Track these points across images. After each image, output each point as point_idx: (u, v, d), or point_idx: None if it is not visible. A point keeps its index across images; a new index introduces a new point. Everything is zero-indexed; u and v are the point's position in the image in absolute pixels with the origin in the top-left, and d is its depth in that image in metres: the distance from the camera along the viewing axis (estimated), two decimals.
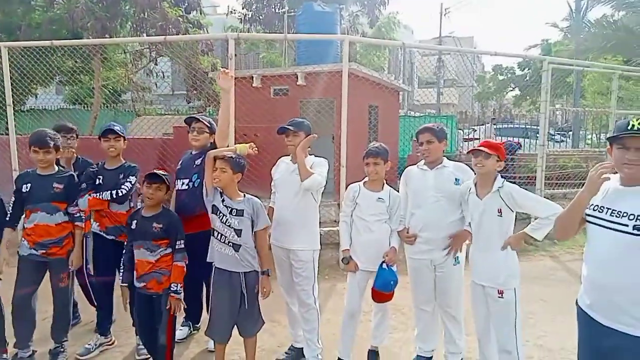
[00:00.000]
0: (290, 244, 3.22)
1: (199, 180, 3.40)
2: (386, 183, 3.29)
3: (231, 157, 2.92)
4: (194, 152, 3.59)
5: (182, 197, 3.51)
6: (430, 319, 3.26)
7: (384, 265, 3.11)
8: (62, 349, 3.36)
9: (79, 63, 9.66)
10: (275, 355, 3.48)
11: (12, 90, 5.96)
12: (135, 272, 3.05)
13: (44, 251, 3.21)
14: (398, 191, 3.31)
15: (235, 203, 2.94)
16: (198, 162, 3.47)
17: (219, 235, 2.93)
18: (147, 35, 9.25)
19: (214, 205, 2.95)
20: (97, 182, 3.40)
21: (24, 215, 3.26)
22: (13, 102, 6.06)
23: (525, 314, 3.62)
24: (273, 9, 16.07)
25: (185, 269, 3.02)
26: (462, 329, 3.22)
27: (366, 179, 3.27)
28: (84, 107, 11.42)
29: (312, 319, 3.26)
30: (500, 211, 2.76)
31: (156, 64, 10.18)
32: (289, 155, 3.34)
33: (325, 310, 4.20)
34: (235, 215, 2.90)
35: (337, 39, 8.45)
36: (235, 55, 5.40)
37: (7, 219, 3.22)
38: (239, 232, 2.90)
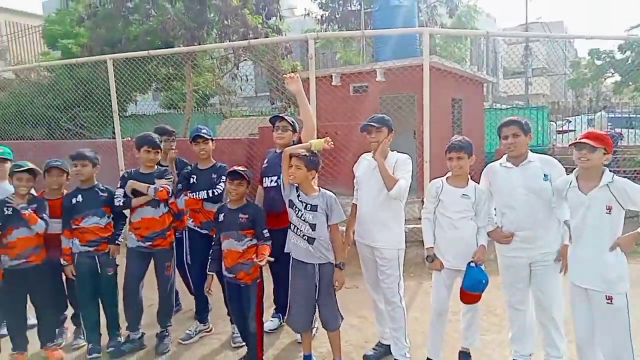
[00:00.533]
0: (374, 242, 3.22)
1: None
2: (471, 178, 3.17)
3: (305, 155, 3.01)
4: (278, 151, 3.72)
5: (270, 193, 3.65)
6: (526, 319, 3.10)
7: (473, 264, 3.00)
8: (166, 333, 3.67)
9: (172, 70, 10.39)
10: (363, 351, 3.51)
11: (116, 97, 6.57)
12: (224, 262, 3.24)
13: (149, 243, 3.53)
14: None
15: (310, 198, 3.03)
16: None
17: (295, 228, 3.05)
18: (230, 42, 9.70)
19: (290, 200, 3.08)
20: (192, 182, 3.68)
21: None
22: (117, 108, 6.69)
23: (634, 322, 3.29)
24: (349, 8, 16.11)
25: (270, 249, 3.17)
26: (562, 331, 3.02)
27: (449, 174, 3.18)
28: (177, 111, 12.29)
29: (398, 317, 3.24)
30: (609, 208, 2.53)
31: (237, 68, 10.64)
32: (370, 151, 3.33)
33: (412, 309, 4.16)
34: (309, 210, 3.00)
35: (415, 32, 8.26)
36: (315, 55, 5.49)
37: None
38: (313, 226, 3.00)
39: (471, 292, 3.01)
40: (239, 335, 3.54)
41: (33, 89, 11.00)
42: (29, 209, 3.29)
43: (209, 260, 3.34)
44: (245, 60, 10.82)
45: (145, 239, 3.52)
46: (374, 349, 3.49)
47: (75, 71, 9.95)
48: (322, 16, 16.51)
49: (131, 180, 3.49)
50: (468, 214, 3.07)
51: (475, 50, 18.96)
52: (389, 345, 3.38)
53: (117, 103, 6.68)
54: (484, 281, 2.97)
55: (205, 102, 12.44)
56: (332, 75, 8.17)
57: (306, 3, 33.02)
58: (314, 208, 3.01)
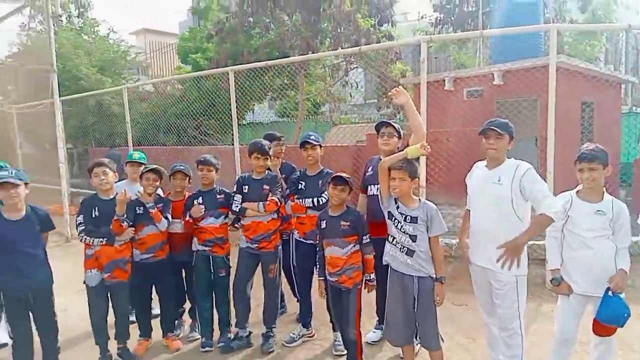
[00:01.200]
0: (487, 263, 2.89)
1: None
2: (606, 192, 2.77)
3: (407, 164, 2.89)
4: (383, 158, 3.64)
5: (375, 202, 3.59)
6: None
7: (611, 293, 2.61)
8: (272, 334, 3.79)
9: (286, 80, 10.91)
10: None
11: (236, 107, 7.05)
12: (327, 267, 3.26)
13: (257, 245, 3.68)
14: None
15: (410, 210, 2.90)
16: None
17: (394, 240, 2.95)
18: (342, 49, 9.86)
19: (389, 212, 2.98)
20: (300, 187, 3.77)
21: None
22: (237, 117, 7.17)
23: None
24: (465, 9, 15.42)
25: (374, 260, 3.20)
26: None
27: (579, 187, 2.81)
28: (290, 119, 12.85)
29: (515, 344, 2.89)
30: None
31: (347, 75, 10.77)
32: (483, 160, 3.05)
33: (528, 333, 3.76)
34: (409, 222, 2.88)
35: (541, 30, 7.59)
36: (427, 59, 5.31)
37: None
38: (414, 238, 2.87)
39: (609, 325, 2.63)
40: (341, 343, 3.54)
41: (167, 100, 12.34)
42: (155, 208, 3.65)
43: (315, 266, 3.38)
44: (356, 68, 10.91)
45: (253, 241, 3.68)
46: None
47: (202, 83, 10.95)
48: (436, 19, 16.06)
49: (245, 204, 3.66)
50: (604, 233, 2.70)
51: (612, 47, 16.83)
52: None
53: (237, 112, 7.16)
54: (625, 315, 2.57)
55: (316, 110, 12.83)
56: (444, 80, 7.87)
57: (420, 7, 32.29)
58: (413, 220, 2.87)
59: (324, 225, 3.29)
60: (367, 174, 3.76)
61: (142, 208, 3.66)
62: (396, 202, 2.96)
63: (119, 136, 12.83)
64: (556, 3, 14.85)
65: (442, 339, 3.02)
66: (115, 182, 3.68)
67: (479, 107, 7.43)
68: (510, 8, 8.48)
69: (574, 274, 2.77)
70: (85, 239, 3.46)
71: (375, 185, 3.61)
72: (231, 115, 7.13)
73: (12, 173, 3.06)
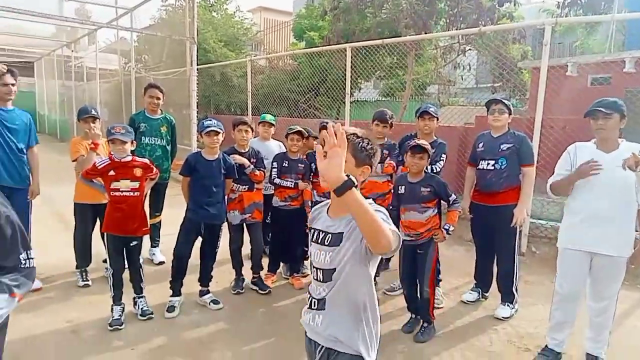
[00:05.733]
0: (608, 249, 2.85)
1: (506, 164, 3.71)
2: None
3: None
4: (494, 135, 3.81)
5: (487, 175, 3.82)
6: None
7: None
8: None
9: (395, 60, 11.05)
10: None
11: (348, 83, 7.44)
12: (404, 229, 3.47)
13: None
14: None
15: None
16: (503, 147, 3.73)
17: None
18: (457, 29, 9.73)
19: None
20: None
21: None
22: (349, 92, 7.55)
23: None
24: None
25: (458, 214, 3.48)
26: None
27: None
28: (393, 99, 13.00)
29: (610, 314, 2.96)
30: None
31: (465, 55, 10.55)
32: (591, 140, 3.03)
33: (633, 316, 3.77)
34: None
35: None
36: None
37: None
38: None
39: None
40: None
41: (280, 75, 13.17)
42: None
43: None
44: (470, 50, 10.68)
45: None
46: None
47: (315, 60, 11.52)
48: (564, 0, 14.91)
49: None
50: None
51: None
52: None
53: (345, 89, 7.55)
54: None
55: (422, 91, 12.81)
56: (567, 65, 7.53)
57: None
58: None
59: (402, 190, 3.49)
60: (477, 149, 3.96)
61: (286, 162, 4.29)
62: None
63: (236, 105, 14.02)
64: None
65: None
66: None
67: (604, 95, 6.96)
68: None
69: None
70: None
71: (486, 161, 3.82)
72: (339, 92, 7.52)
73: (215, 124, 3.74)
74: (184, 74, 10.24)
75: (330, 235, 1.64)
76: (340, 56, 8.43)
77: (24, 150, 3.94)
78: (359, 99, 14.59)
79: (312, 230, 1.75)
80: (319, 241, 1.68)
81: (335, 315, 1.66)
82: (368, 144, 1.66)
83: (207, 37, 14.07)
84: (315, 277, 1.71)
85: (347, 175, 1.35)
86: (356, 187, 1.35)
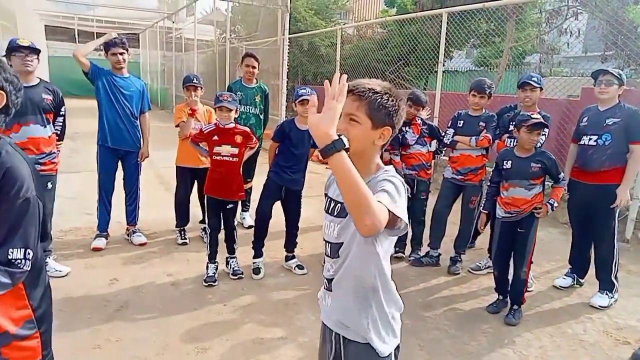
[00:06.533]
0: None
1: (610, 140, 3.43)
2: None
3: None
4: (601, 109, 3.49)
5: (588, 151, 3.55)
6: None
7: None
8: (459, 259, 4.14)
9: (493, 26, 10.31)
10: None
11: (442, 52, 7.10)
12: (504, 207, 3.32)
13: (462, 177, 4.01)
14: None
15: None
16: (609, 122, 3.44)
17: None
18: None
19: None
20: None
21: None
22: (435, 63, 7.21)
23: None
24: None
25: (563, 192, 3.34)
26: None
27: None
28: (489, 69, 12.21)
29: None
30: None
31: (577, 18, 9.53)
32: None
33: None
34: None
35: None
36: None
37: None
38: None
39: None
40: None
41: (368, 44, 12.92)
42: None
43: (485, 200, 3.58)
44: (581, 12, 9.63)
45: (458, 173, 4.01)
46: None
47: (405, 27, 11.12)
48: None
49: (457, 137, 4.00)
50: None
51: None
52: None
53: (435, 57, 7.20)
54: None
55: (520, 60, 11.87)
56: None
57: None
58: None
59: (508, 165, 3.30)
60: (581, 124, 3.67)
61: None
62: None
63: (323, 76, 14.07)
64: None
65: None
66: None
67: None
68: None
69: None
70: None
71: (588, 136, 3.53)
72: (429, 61, 7.20)
73: (309, 92, 3.73)
74: (275, 44, 10.46)
75: (339, 204, 1.45)
76: (433, 23, 8.05)
77: (137, 115, 4.32)
78: (449, 69, 13.96)
79: (326, 198, 1.56)
80: (329, 211, 1.51)
81: (340, 298, 1.50)
82: (389, 99, 1.37)
83: (298, 6, 14.16)
84: (325, 252, 1.55)
85: (339, 135, 1.16)
86: (347, 150, 1.16)
